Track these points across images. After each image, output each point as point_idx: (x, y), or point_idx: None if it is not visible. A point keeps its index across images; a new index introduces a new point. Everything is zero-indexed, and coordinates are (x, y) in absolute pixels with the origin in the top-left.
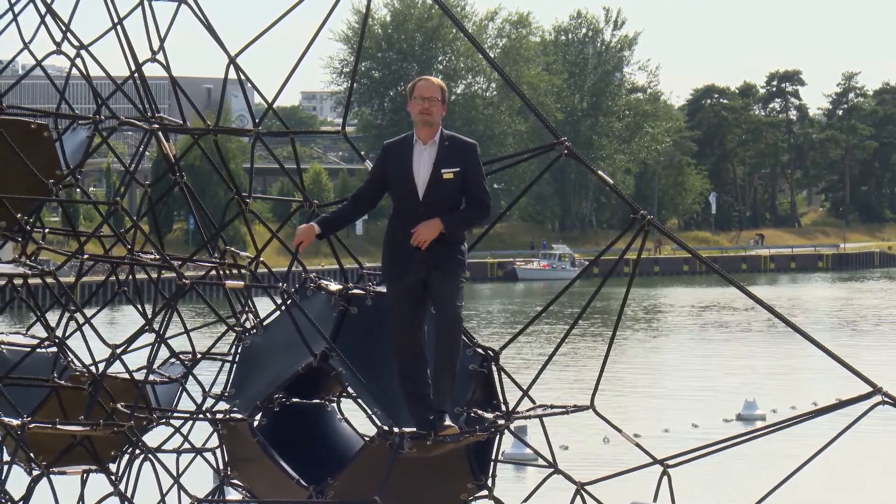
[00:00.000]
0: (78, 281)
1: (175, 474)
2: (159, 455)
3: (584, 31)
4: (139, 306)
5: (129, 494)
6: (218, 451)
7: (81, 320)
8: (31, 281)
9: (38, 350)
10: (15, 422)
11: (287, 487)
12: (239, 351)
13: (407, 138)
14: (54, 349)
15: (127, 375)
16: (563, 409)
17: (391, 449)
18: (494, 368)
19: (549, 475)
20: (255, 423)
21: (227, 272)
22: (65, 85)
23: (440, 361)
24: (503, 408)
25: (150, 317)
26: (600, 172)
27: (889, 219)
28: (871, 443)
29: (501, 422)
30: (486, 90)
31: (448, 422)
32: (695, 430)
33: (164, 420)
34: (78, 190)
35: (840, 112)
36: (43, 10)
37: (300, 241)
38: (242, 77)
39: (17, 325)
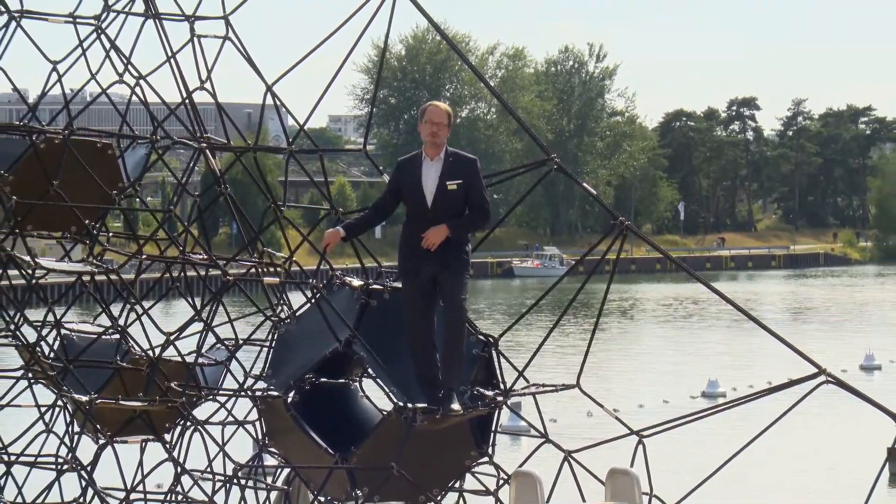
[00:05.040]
0: (137, 278)
1: (220, 443)
2: (207, 427)
3: (571, 63)
4: (189, 299)
5: (181, 460)
6: (257, 424)
7: (140, 311)
8: (97, 278)
9: (104, 337)
10: (84, 398)
11: (317, 455)
12: (275, 338)
13: (417, 155)
14: (117, 336)
15: (179, 359)
16: (553, 388)
17: (406, 422)
18: (494, 353)
19: (541, 444)
20: (289, 400)
21: (265, 270)
22: (126, 109)
23: (448, 347)
24: (501, 386)
25: (198, 308)
26: (585, 185)
27: (832, 224)
28: (818, 417)
29: (500, 398)
30: (487, 114)
31: (454, 399)
32: (666, 406)
33: (211, 397)
34: (137, 199)
35: (790, 133)
36: (107, 45)
37: (327, 243)
38: (278, 103)
39: (86, 316)
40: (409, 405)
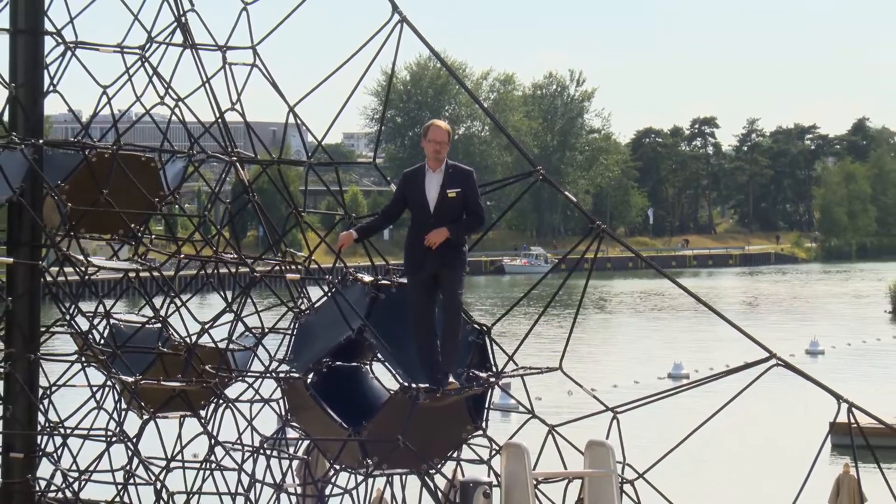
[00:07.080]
0: (176, 274)
1: (249, 418)
2: (237, 404)
3: (554, 87)
4: (222, 293)
5: (214, 433)
6: (281, 402)
7: (179, 304)
8: (141, 274)
9: (147, 326)
10: (130, 379)
11: (332, 428)
12: (296, 327)
13: (421, 167)
14: (159, 325)
15: (213, 345)
16: (539, 370)
17: (410, 400)
18: (487, 340)
19: (528, 419)
20: (309, 381)
21: (287, 268)
22: (166, 128)
23: (446, 335)
24: (494, 369)
25: (230, 301)
26: (567, 193)
27: (782, 227)
28: (769, 396)
29: (492, 380)
30: (481, 132)
31: (452, 380)
32: (637, 385)
33: (240, 378)
34: (176, 206)
35: (745, 148)
36: (150, 72)
37: (342, 244)
38: (299, 121)
39: (131, 307)
40: (413, 385)
